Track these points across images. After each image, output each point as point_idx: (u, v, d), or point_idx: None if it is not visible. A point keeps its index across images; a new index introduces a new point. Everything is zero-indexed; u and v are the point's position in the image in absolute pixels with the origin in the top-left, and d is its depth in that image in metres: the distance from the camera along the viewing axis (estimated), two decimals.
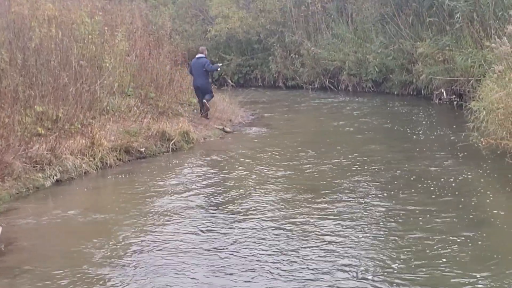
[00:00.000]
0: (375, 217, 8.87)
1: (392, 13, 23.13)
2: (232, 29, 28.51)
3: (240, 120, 18.63)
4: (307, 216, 9.04)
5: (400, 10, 22.91)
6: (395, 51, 22.83)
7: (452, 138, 14.03)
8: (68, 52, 14.23)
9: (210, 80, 18.27)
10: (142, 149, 13.69)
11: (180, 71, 18.55)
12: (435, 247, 7.58)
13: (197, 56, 17.85)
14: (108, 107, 14.42)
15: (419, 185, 10.36)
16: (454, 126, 15.36)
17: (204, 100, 17.24)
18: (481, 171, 11.09)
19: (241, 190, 10.64)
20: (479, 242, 7.71)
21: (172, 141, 14.34)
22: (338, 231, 8.33)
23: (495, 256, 7.28)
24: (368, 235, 8.16)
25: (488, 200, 9.55)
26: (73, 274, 7.20)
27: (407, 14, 22.47)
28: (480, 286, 6.47)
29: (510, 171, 10.70)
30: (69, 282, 7.00)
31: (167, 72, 17.55)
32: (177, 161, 13.40)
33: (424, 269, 6.93)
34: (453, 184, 10.34)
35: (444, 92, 19.91)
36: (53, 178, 11.49)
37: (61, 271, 7.29)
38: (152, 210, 9.69)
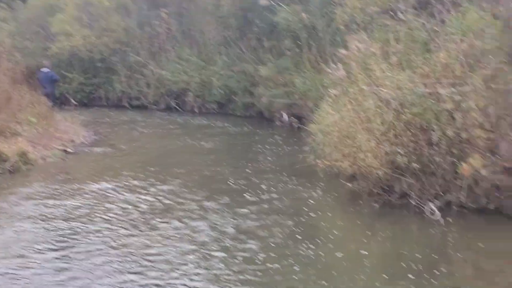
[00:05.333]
0: (212, 239, 9.03)
1: (234, 37, 23.65)
2: (74, 47, 27.93)
3: (82, 140, 18.23)
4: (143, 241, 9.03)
5: (243, 34, 23.44)
6: (238, 73, 23.33)
7: (291, 159, 14.50)
8: None
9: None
10: None
11: (19, 89, 18.00)
12: (270, 264, 7.87)
13: (42, 70, 21.31)
14: None
15: (257, 206, 10.65)
16: (293, 148, 15.92)
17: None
18: (316, 191, 11.59)
19: (72, 220, 10.17)
20: (313, 258, 8.06)
21: (8, 162, 13.80)
22: (168, 256, 8.42)
23: (328, 272, 7.67)
24: (205, 261, 8.30)
25: (321, 219, 10.02)
26: None
27: (249, 38, 23.01)
28: None
29: (343, 190, 11.25)
30: None
31: (5, 90, 16.91)
32: (11, 184, 12.81)
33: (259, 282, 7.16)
34: (289, 204, 10.74)
35: (285, 115, 20.54)
36: None
37: None
38: None
